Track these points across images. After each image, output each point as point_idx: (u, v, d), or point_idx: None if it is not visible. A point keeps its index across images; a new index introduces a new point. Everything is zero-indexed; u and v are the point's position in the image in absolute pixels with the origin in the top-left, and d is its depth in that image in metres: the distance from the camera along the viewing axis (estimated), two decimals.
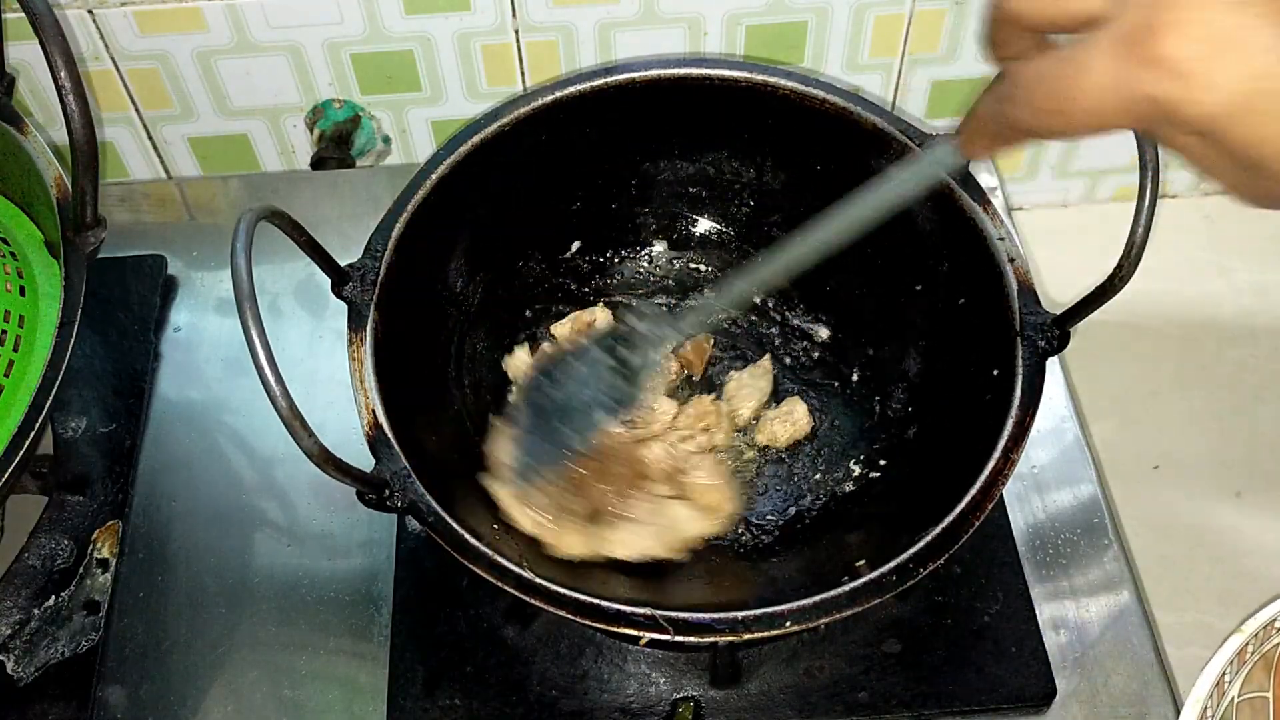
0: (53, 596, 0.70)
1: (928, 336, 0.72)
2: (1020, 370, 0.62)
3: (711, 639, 0.55)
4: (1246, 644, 0.63)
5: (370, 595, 0.71)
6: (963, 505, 0.58)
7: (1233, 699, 0.62)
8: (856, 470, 0.72)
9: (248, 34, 0.85)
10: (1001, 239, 0.66)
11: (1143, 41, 0.37)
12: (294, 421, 0.49)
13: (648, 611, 0.55)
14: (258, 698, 0.67)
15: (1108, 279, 0.60)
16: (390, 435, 0.59)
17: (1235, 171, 0.40)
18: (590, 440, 0.66)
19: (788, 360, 0.77)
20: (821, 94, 0.71)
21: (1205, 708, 0.61)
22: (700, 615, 0.55)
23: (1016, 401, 0.61)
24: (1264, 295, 0.99)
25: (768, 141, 0.75)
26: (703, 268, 0.81)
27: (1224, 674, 0.62)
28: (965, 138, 0.48)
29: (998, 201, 0.84)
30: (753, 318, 0.79)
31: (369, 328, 0.63)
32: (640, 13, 0.86)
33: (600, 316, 0.76)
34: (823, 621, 0.55)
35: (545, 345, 0.76)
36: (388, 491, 0.57)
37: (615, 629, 0.55)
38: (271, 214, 0.56)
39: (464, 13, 0.85)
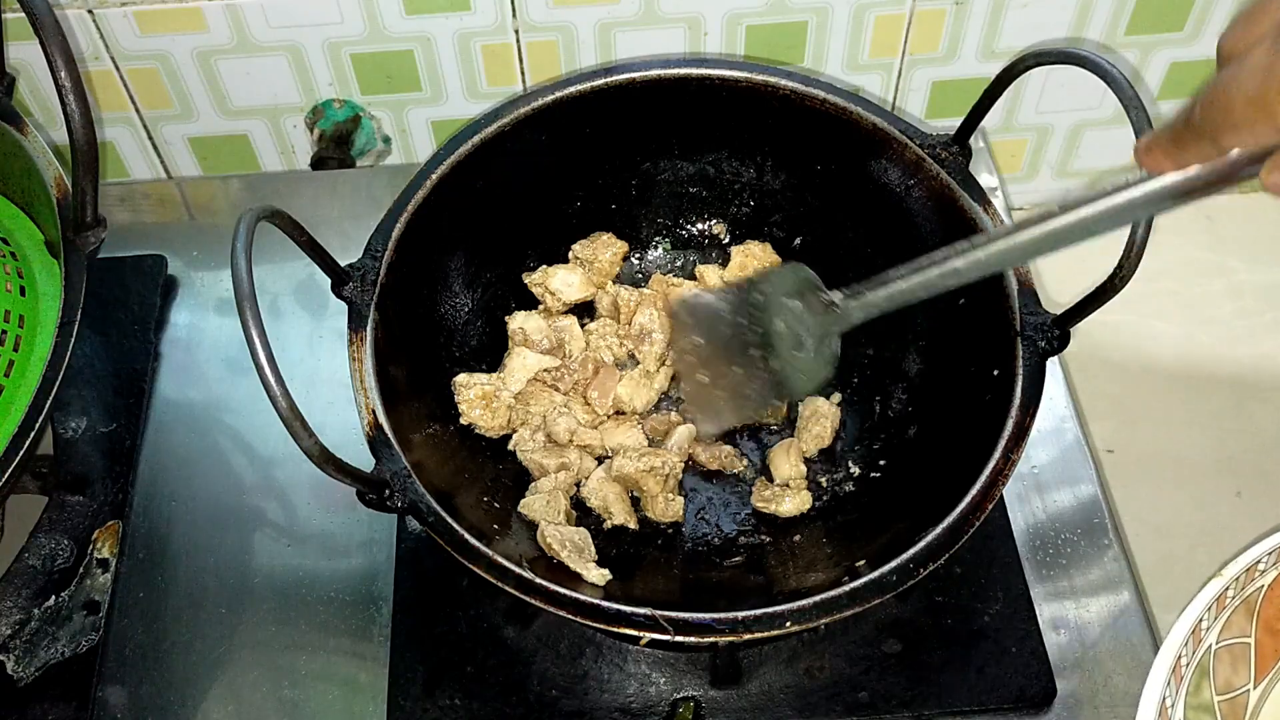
0: (53, 596, 0.70)
1: (928, 336, 0.72)
2: (1020, 370, 0.62)
3: (711, 639, 0.55)
4: (1227, 588, 0.60)
5: (370, 595, 0.71)
6: (963, 505, 0.58)
7: (1210, 646, 0.60)
8: (856, 470, 0.72)
9: (248, 34, 0.85)
10: None
11: None
12: (294, 421, 0.49)
13: (648, 611, 0.55)
14: (258, 698, 0.67)
15: (1108, 279, 0.60)
16: (390, 435, 0.59)
17: None
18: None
19: None
20: (821, 94, 0.71)
21: (1179, 656, 0.58)
22: (700, 615, 0.55)
23: (1016, 401, 0.61)
24: (1264, 295, 0.99)
25: (768, 141, 0.75)
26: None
27: (1201, 620, 0.59)
28: (1148, 144, 0.45)
29: (998, 201, 0.85)
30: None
31: (369, 328, 0.63)
32: (640, 13, 0.86)
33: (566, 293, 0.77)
34: (823, 621, 0.55)
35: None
36: (388, 491, 0.57)
37: (615, 629, 0.55)
38: (271, 214, 0.56)
39: (464, 13, 0.85)
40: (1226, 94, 0.41)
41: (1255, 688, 0.62)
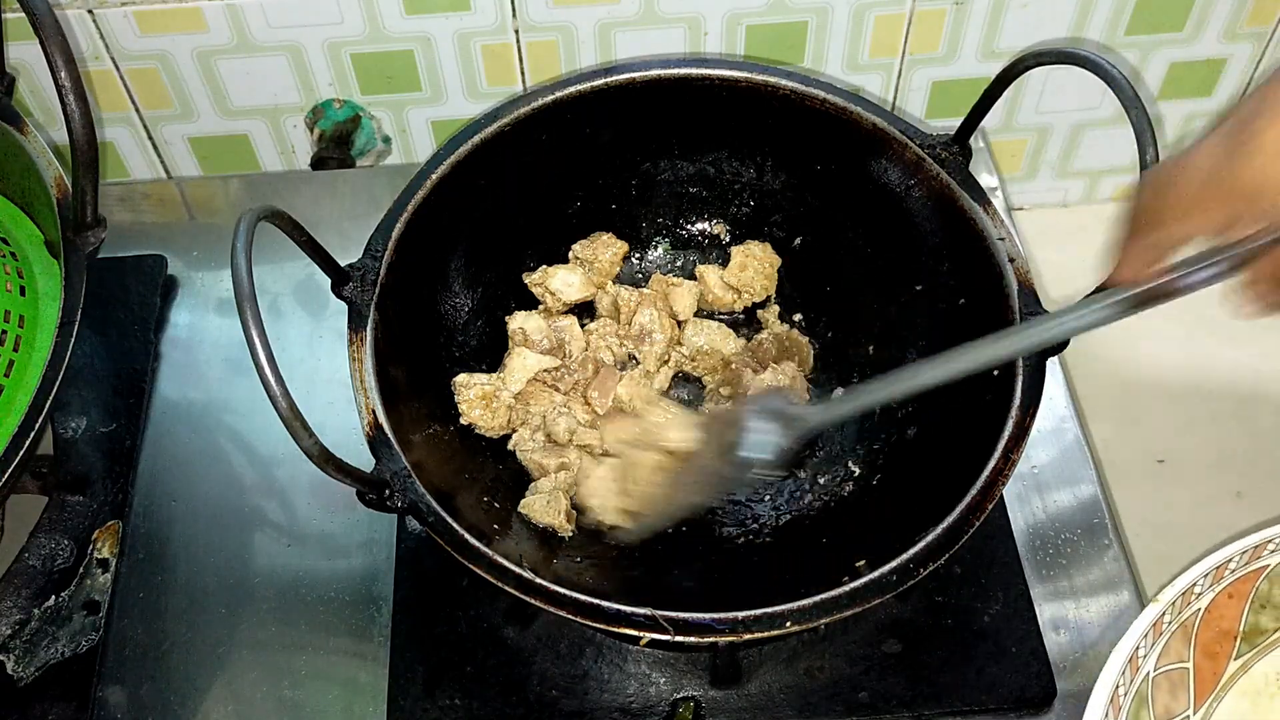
0: (53, 596, 0.70)
1: (928, 336, 0.72)
2: (1020, 370, 0.62)
3: (712, 639, 0.55)
4: (1163, 614, 0.60)
5: (370, 595, 0.71)
6: (963, 505, 0.58)
7: (1148, 673, 0.60)
8: (856, 470, 0.72)
9: (248, 34, 0.85)
10: (1001, 239, 0.66)
11: (1244, 128, 0.38)
12: (294, 421, 0.49)
13: (648, 612, 0.55)
14: (258, 698, 0.67)
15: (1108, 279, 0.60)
16: (390, 435, 0.59)
17: None
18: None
19: None
20: (821, 94, 0.71)
21: (1117, 685, 0.58)
22: (700, 615, 0.55)
23: (1016, 401, 0.61)
24: None
25: (768, 141, 0.75)
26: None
27: (1138, 648, 0.59)
28: (1112, 261, 0.48)
29: (998, 201, 0.85)
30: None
31: (369, 328, 0.63)
32: (640, 13, 0.86)
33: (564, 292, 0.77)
34: (823, 621, 0.55)
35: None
36: (388, 491, 0.57)
37: (615, 629, 0.55)
38: (271, 214, 0.56)
39: (464, 13, 0.85)
40: (1152, 186, 0.44)
41: (1195, 712, 0.62)
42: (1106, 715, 0.57)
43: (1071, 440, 0.76)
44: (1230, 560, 0.62)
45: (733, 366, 0.75)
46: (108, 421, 0.77)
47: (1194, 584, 0.61)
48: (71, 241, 0.67)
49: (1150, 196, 0.44)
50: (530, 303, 0.77)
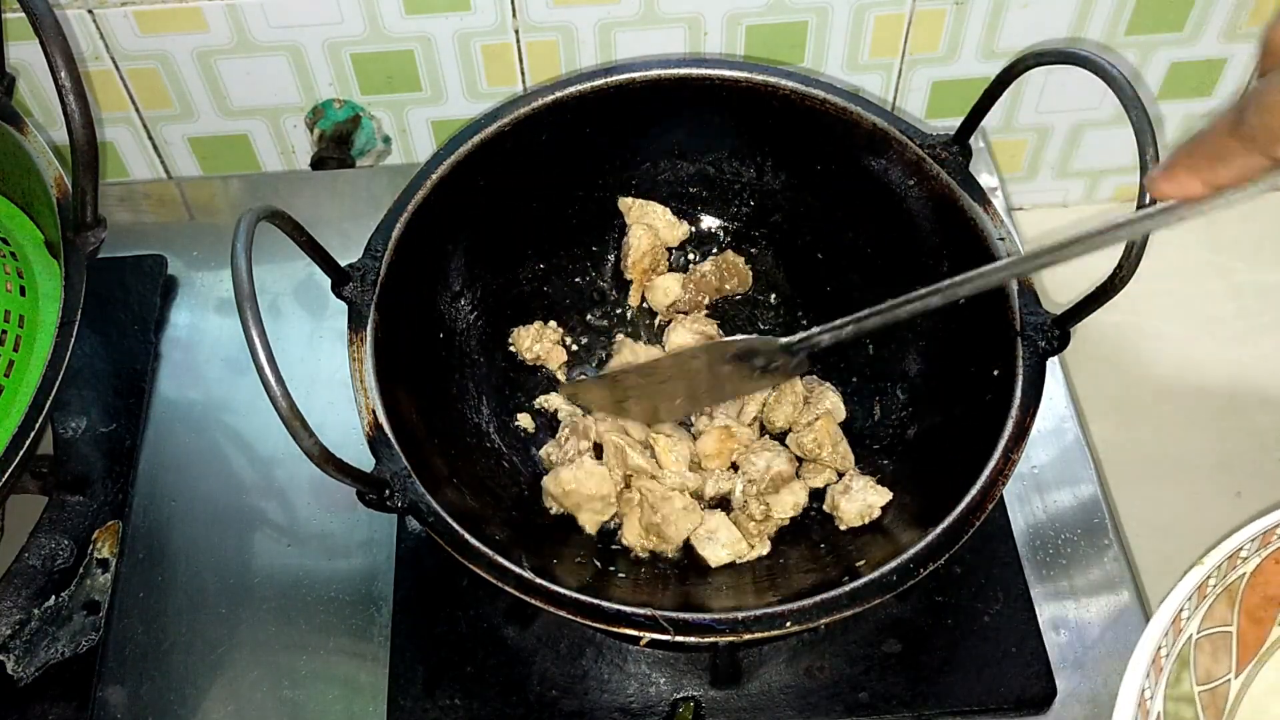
0: (53, 596, 0.70)
1: (928, 336, 0.72)
2: (1020, 370, 0.62)
3: (712, 639, 0.55)
4: (1208, 577, 0.59)
5: (370, 595, 0.71)
6: (963, 505, 0.58)
7: (1191, 636, 0.59)
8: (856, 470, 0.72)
9: (248, 34, 0.85)
10: (1001, 239, 0.66)
11: None
12: (294, 421, 0.49)
13: (648, 612, 0.55)
14: (258, 698, 0.67)
15: (1108, 279, 0.60)
16: (390, 435, 0.59)
17: None
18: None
19: None
20: (821, 94, 0.71)
21: (1159, 647, 0.57)
22: (700, 615, 0.55)
23: (1016, 401, 0.61)
24: (1264, 295, 0.99)
25: (768, 141, 0.75)
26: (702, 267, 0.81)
27: (1181, 610, 0.58)
28: (1170, 166, 0.43)
29: (998, 201, 0.85)
30: (754, 315, 0.79)
31: (369, 328, 0.63)
32: (640, 13, 0.86)
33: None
34: (823, 621, 0.55)
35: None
36: (388, 491, 0.57)
37: (615, 629, 0.55)
38: (271, 214, 0.56)
39: (464, 13, 0.85)
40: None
41: (1236, 677, 0.61)
42: (1148, 676, 0.56)
43: (1071, 440, 0.76)
44: (1279, 526, 0.61)
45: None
46: (108, 421, 0.77)
47: (1240, 548, 0.60)
48: (71, 241, 0.67)
49: (1260, 114, 0.39)
50: (529, 301, 0.77)
